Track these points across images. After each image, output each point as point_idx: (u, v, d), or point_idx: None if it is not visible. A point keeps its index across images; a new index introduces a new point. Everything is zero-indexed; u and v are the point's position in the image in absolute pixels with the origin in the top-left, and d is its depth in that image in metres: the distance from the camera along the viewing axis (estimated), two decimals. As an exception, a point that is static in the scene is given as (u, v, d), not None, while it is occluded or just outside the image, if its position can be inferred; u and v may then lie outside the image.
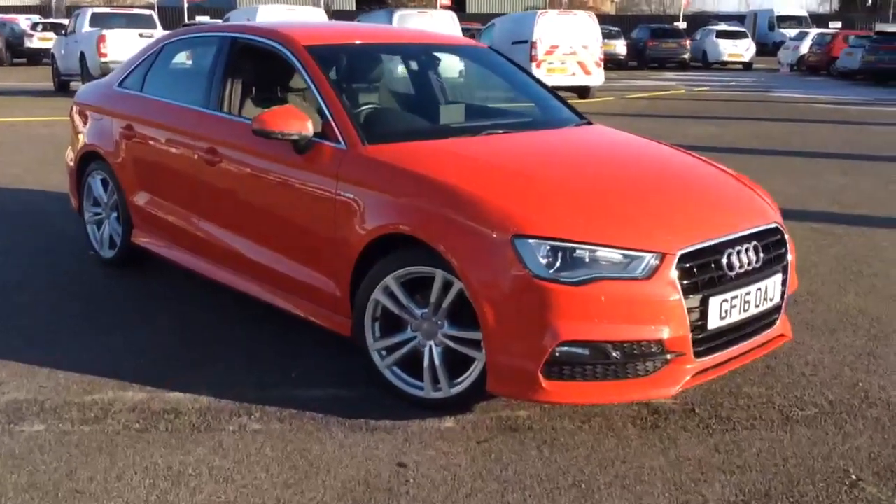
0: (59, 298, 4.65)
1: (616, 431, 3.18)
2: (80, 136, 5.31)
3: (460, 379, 3.24)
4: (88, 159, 5.23)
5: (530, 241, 2.98)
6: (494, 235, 3.03)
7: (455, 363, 3.25)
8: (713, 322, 3.09)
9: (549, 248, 2.98)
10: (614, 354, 2.97)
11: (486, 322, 3.02)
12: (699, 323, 3.06)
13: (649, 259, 3.00)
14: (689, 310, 3.02)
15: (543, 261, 2.96)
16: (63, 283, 4.92)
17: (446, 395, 3.26)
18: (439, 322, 3.25)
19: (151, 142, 4.63)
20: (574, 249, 2.98)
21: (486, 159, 3.59)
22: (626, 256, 3.00)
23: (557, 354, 2.95)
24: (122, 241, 5.01)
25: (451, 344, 3.23)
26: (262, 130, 3.60)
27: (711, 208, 3.44)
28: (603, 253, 2.99)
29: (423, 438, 3.12)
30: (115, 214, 5.07)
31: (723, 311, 3.11)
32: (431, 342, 3.28)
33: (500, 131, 4.05)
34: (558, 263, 2.97)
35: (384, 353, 3.40)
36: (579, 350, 2.96)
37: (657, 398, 3.24)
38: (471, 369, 3.21)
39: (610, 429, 3.19)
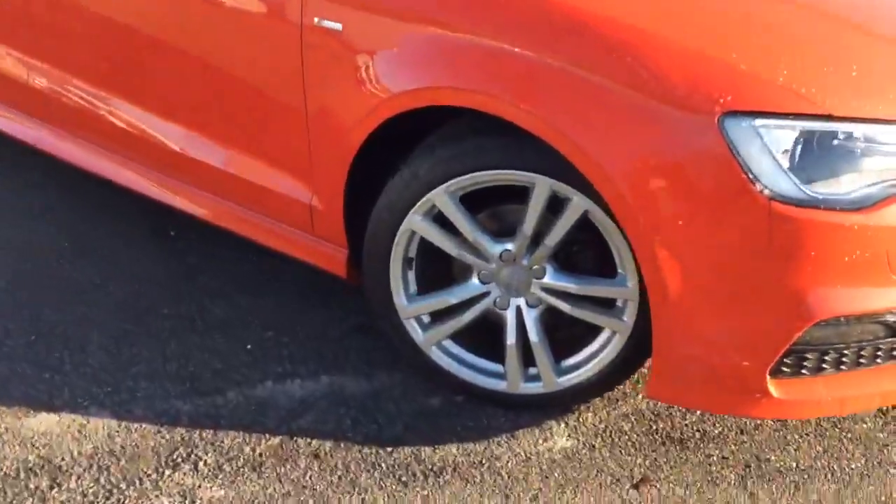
0: None
1: (851, 435, 1.86)
2: None
3: (576, 360, 1.80)
4: None
5: (757, 122, 1.47)
6: (680, 113, 1.49)
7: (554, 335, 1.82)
8: None
9: (797, 133, 1.47)
10: (900, 328, 1.60)
11: (661, 280, 1.55)
12: None
13: None
14: None
15: (786, 163, 1.47)
16: None
17: (550, 389, 1.83)
18: (536, 267, 1.74)
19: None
20: (849, 134, 1.48)
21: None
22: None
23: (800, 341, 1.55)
24: None
25: (561, 304, 1.75)
26: None
27: None
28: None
29: (530, 485, 1.70)
30: None
31: None
32: (521, 300, 1.79)
33: None
34: (816, 165, 1.48)
35: (427, 320, 1.88)
36: (840, 329, 1.57)
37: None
38: (594, 345, 1.78)
39: (839, 429, 1.87)
